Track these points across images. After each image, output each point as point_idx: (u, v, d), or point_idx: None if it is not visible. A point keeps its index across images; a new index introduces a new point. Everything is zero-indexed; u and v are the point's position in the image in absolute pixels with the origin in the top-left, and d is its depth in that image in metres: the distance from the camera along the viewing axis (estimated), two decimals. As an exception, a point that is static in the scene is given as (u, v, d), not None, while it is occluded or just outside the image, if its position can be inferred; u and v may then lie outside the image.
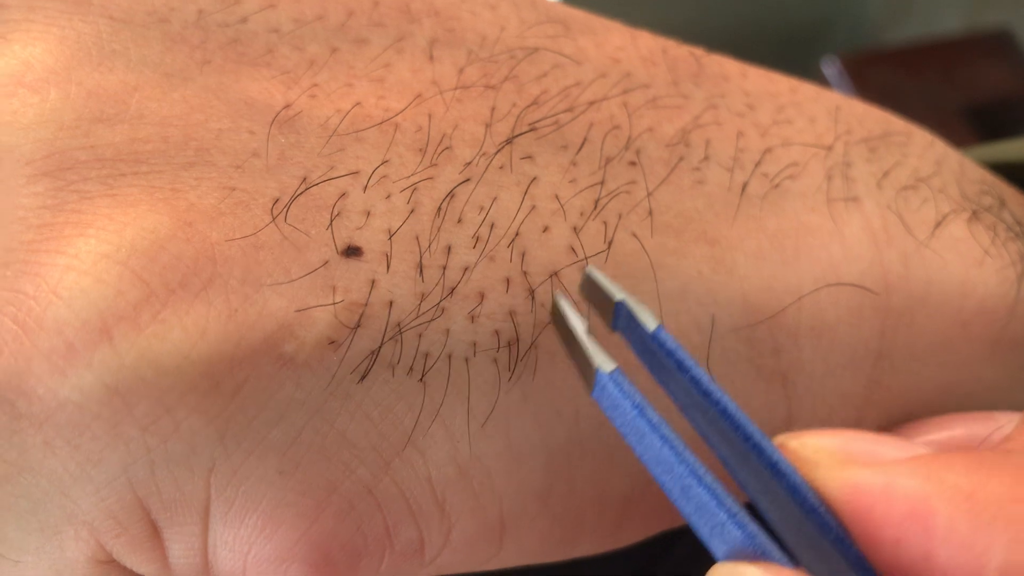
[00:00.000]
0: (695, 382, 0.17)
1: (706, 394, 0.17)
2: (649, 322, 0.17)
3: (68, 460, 0.16)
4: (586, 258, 0.19)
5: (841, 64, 0.75)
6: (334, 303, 0.17)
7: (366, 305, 0.17)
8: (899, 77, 0.73)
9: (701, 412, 0.17)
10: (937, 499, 0.15)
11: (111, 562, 0.18)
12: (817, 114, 0.23)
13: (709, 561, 0.16)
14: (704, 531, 0.16)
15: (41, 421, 0.16)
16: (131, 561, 0.18)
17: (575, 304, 0.17)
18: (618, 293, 0.17)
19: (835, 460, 0.16)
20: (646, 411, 0.16)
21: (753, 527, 0.15)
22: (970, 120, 0.69)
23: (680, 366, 0.17)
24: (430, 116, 0.19)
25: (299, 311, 0.16)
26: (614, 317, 0.18)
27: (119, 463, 0.16)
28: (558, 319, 0.17)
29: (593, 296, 0.18)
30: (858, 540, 0.16)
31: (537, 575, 0.23)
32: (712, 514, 0.16)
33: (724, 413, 0.17)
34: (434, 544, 0.19)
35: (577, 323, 0.17)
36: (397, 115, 0.19)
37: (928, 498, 0.15)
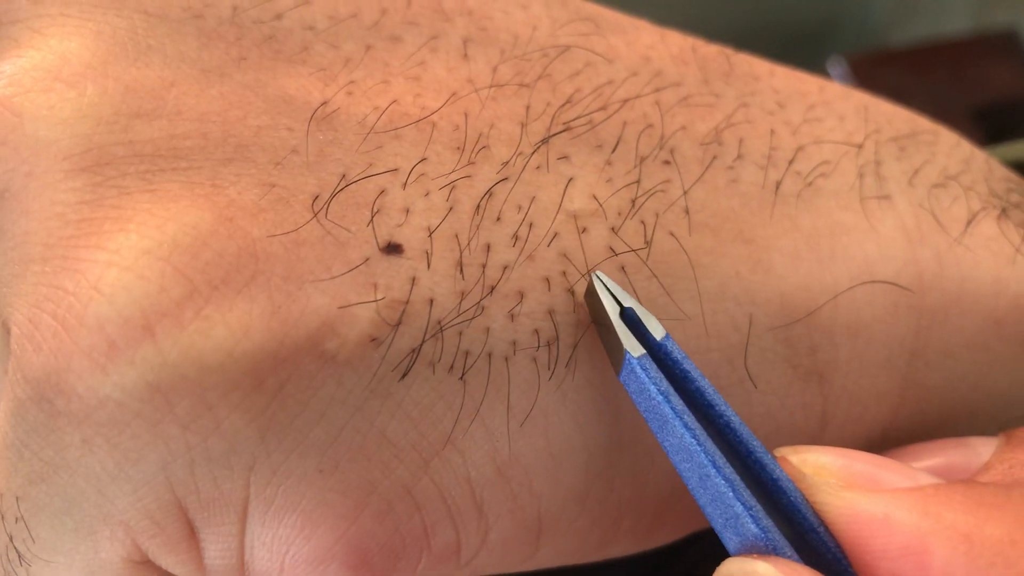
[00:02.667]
0: (700, 393, 0.17)
1: (710, 405, 0.17)
2: (657, 330, 0.17)
3: (106, 459, 0.16)
4: (631, 250, 0.18)
5: (847, 65, 0.75)
6: (376, 300, 0.17)
7: (407, 303, 0.17)
8: (906, 78, 0.73)
9: (704, 423, 0.17)
10: (935, 537, 0.15)
11: (146, 562, 0.18)
12: (846, 113, 0.23)
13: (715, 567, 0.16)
14: (718, 522, 0.16)
15: (80, 419, 0.16)
16: (166, 562, 0.18)
17: (607, 286, 0.17)
18: (627, 299, 0.17)
19: (836, 481, 0.16)
20: (671, 398, 0.16)
21: (768, 522, 0.16)
22: (978, 121, 0.69)
23: (686, 376, 0.17)
24: (466, 114, 0.19)
25: (341, 308, 0.16)
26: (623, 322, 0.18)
27: (158, 461, 0.16)
28: (592, 300, 0.18)
29: (596, 303, 0.18)
30: (855, 567, 0.16)
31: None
32: (728, 505, 0.16)
33: (728, 426, 0.17)
34: (471, 545, 0.18)
35: (610, 306, 0.17)
36: (434, 113, 0.19)
37: (926, 536, 0.15)
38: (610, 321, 0.17)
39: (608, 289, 0.17)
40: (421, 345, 0.17)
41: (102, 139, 0.17)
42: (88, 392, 0.16)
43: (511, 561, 0.19)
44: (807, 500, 0.16)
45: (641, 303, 0.18)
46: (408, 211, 0.17)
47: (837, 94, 0.24)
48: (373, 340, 0.17)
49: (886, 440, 0.22)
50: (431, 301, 0.17)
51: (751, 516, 0.16)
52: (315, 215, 0.17)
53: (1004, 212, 0.22)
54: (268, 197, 0.17)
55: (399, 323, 0.17)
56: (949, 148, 0.23)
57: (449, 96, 0.19)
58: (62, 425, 0.16)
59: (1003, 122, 0.70)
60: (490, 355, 0.17)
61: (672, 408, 0.16)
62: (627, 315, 0.17)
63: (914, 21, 0.90)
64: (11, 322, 0.17)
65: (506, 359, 0.17)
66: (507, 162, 0.19)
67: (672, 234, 0.19)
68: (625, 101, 0.21)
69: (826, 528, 0.16)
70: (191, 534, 0.17)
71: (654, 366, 0.17)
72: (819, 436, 0.21)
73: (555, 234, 0.18)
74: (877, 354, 0.21)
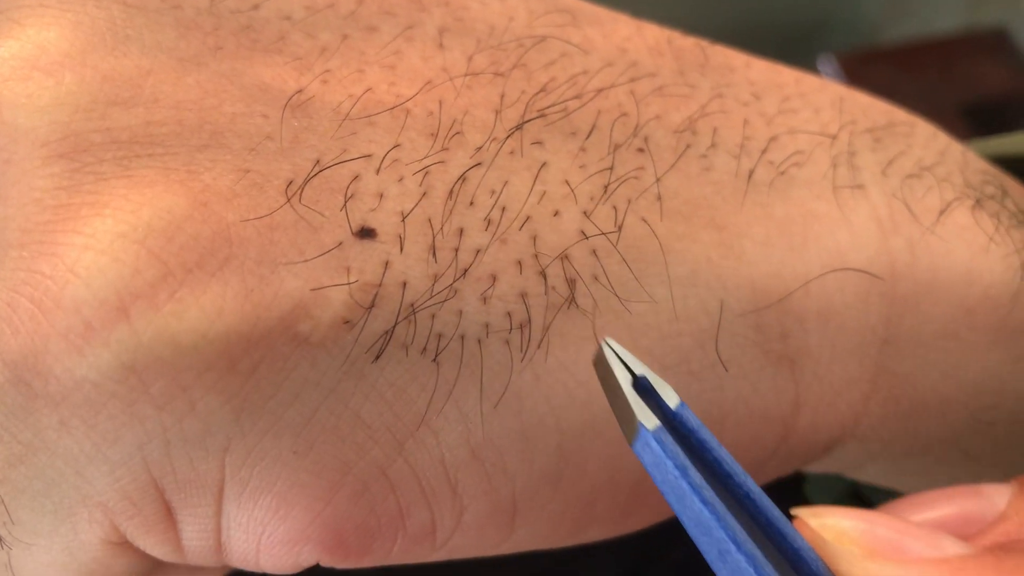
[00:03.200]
0: (718, 463, 0.17)
1: (729, 476, 0.16)
2: (671, 398, 0.17)
3: (83, 440, 0.17)
4: (602, 233, 0.18)
5: (838, 63, 0.76)
6: (349, 283, 0.17)
7: (380, 286, 0.17)
8: (896, 76, 0.74)
9: (722, 493, 0.16)
10: None
11: (124, 543, 0.18)
12: (822, 104, 0.23)
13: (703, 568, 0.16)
14: None
15: (57, 401, 0.16)
16: (144, 543, 0.18)
17: (619, 354, 0.17)
18: (639, 367, 0.17)
19: (859, 550, 0.16)
20: (688, 472, 0.16)
21: None
22: (967, 118, 0.69)
23: (703, 445, 0.17)
24: (441, 102, 0.19)
25: (314, 290, 0.17)
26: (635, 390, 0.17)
27: (134, 442, 0.17)
28: (601, 368, 0.17)
29: (605, 370, 0.17)
30: None
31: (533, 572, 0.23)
32: None
33: (748, 496, 0.16)
34: (446, 526, 0.19)
35: (622, 374, 0.17)
36: (408, 100, 0.19)
37: None
38: (622, 391, 0.16)
39: (618, 356, 0.17)
40: (394, 327, 0.17)
41: (80, 126, 0.17)
42: (65, 373, 0.16)
43: (486, 543, 0.20)
44: (829, 570, 0.16)
45: (610, 284, 0.18)
46: (382, 196, 0.18)
47: (813, 86, 0.24)
48: (346, 322, 0.17)
49: (858, 426, 0.22)
50: (404, 284, 0.17)
51: None
52: (288, 200, 0.17)
53: (978, 203, 0.22)
54: (242, 182, 0.17)
55: (372, 306, 0.17)
56: (925, 140, 0.24)
57: (424, 84, 0.20)
58: (40, 407, 0.16)
59: (993, 119, 0.70)
60: (463, 337, 0.18)
61: (690, 483, 0.16)
62: (640, 384, 0.17)
63: (904, 20, 0.90)
64: None
65: (479, 341, 0.18)
66: (481, 147, 0.19)
67: (644, 220, 0.19)
68: (600, 90, 0.21)
69: None
70: (168, 515, 0.18)
71: (670, 438, 0.16)
72: (792, 422, 0.21)
73: (527, 217, 0.18)
74: (848, 341, 0.21)
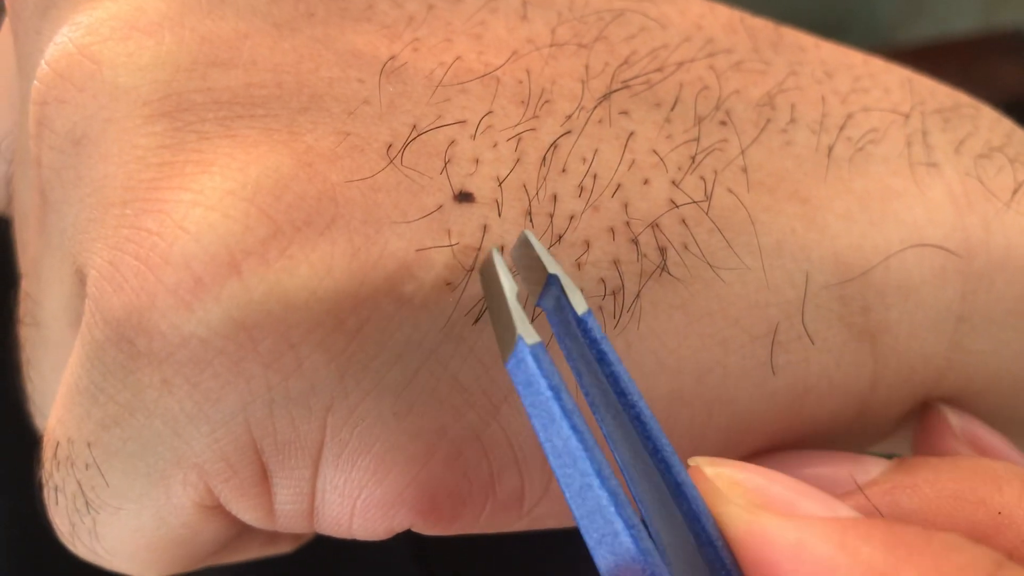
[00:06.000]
0: (613, 378, 0.16)
1: (622, 393, 0.16)
2: (579, 304, 0.16)
3: (185, 399, 0.17)
4: (693, 202, 0.19)
5: (855, 63, 0.76)
6: (451, 245, 0.17)
7: (479, 249, 0.17)
8: (913, 76, 0.74)
9: (612, 412, 0.16)
10: (847, 572, 0.14)
11: (216, 507, 0.18)
12: (891, 85, 0.23)
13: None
14: (592, 537, 0.15)
15: (161, 359, 0.16)
16: (237, 506, 0.18)
17: (508, 265, 0.16)
18: (552, 266, 0.16)
19: (748, 500, 0.15)
20: (561, 395, 0.15)
21: (649, 544, 0.14)
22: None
23: (601, 358, 0.16)
24: (528, 71, 0.19)
25: (418, 251, 0.17)
26: (542, 291, 0.16)
27: (238, 401, 0.16)
28: (488, 276, 0.16)
29: (523, 263, 0.16)
30: None
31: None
32: (607, 521, 0.14)
33: (638, 418, 0.15)
34: (534, 494, 0.19)
35: (507, 284, 0.16)
36: (498, 69, 0.19)
37: (838, 569, 0.14)
38: (505, 302, 0.15)
39: (535, 251, 0.16)
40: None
41: (180, 86, 0.17)
42: (172, 330, 0.16)
43: (570, 515, 0.20)
44: (709, 511, 0.15)
45: (701, 252, 0.18)
46: (478, 161, 0.18)
47: (881, 67, 0.24)
48: (448, 284, 0.17)
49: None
50: (503, 248, 0.17)
51: (631, 535, 0.14)
52: (391, 162, 0.17)
53: None
54: (344, 145, 0.17)
55: (472, 268, 0.17)
56: (991, 122, 0.24)
57: (511, 54, 0.20)
58: (142, 366, 0.16)
59: (1013, 120, 0.70)
60: None
61: (561, 407, 0.15)
62: (550, 283, 0.16)
63: (920, 20, 0.90)
64: (89, 266, 0.17)
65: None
66: (570, 116, 0.19)
67: (731, 190, 0.19)
68: (680, 64, 0.21)
69: (724, 543, 0.15)
70: (264, 478, 0.18)
71: (547, 357, 0.15)
72: (868, 398, 0.21)
73: (618, 185, 0.18)
74: (925, 317, 0.21)
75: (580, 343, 0.16)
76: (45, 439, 0.19)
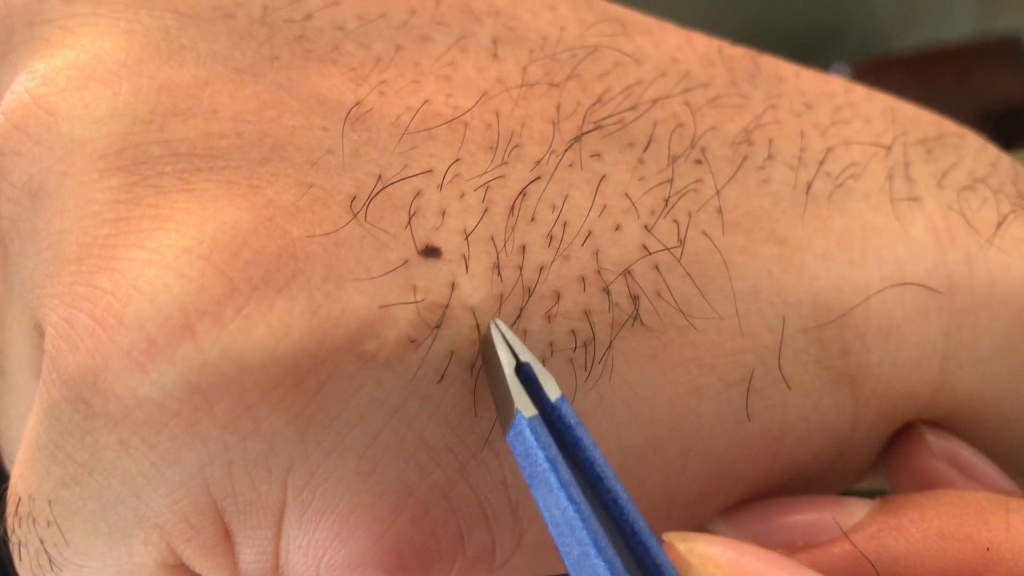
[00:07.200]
0: (590, 464, 0.16)
1: (599, 479, 0.16)
2: (552, 391, 0.16)
3: (143, 460, 0.16)
4: (665, 248, 0.18)
5: (851, 71, 0.75)
6: (416, 302, 0.16)
7: (447, 307, 0.17)
8: (909, 84, 0.73)
9: (589, 495, 0.16)
10: None
11: (180, 566, 0.18)
12: (872, 115, 0.23)
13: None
14: None
15: (117, 420, 0.16)
16: (201, 566, 0.18)
17: (506, 337, 0.17)
18: (525, 353, 0.16)
19: (722, 575, 0.16)
20: (558, 467, 0.15)
21: None
22: (983, 126, 0.69)
23: (577, 444, 0.16)
24: (498, 114, 0.19)
25: (382, 308, 0.16)
26: (516, 372, 0.17)
27: (196, 463, 0.16)
28: (487, 349, 0.17)
29: (490, 353, 0.17)
30: None
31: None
32: None
33: (615, 502, 0.16)
34: (506, 548, 0.18)
35: (505, 359, 0.16)
36: (466, 113, 0.19)
37: None
38: (503, 375, 0.16)
39: (506, 340, 0.16)
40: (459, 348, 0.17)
41: (138, 138, 0.17)
42: (126, 392, 0.16)
43: (544, 566, 0.19)
44: None
45: (675, 300, 0.18)
46: (444, 213, 0.17)
47: (862, 96, 0.24)
48: (412, 341, 0.16)
49: None
50: (472, 308, 0.17)
51: None
52: (355, 216, 0.17)
53: None
54: (306, 197, 0.17)
55: (438, 325, 0.17)
56: (975, 151, 0.23)
57: (480, 96, 0.19)
58: (98, 426, 0.16)
59: (1008, 127, 0.70)
60: None
61: (559, 479, 0.15)
62: (522, 372, 0.16)
63: (917, 27, 0.90)
64: (45, 322, 0.17)
65: (543, 361, 0.17)
66: (540, 161, 0.18)
67: (705, 233, 0.19)
68: (655, 101, 0.21)
69: None
70: (226, 537, 0.17)
71: (545, 430, 0.16)
72: (850, 437, 0.21)
73: (589, 232, 0.18)
74: (909, 356, 0.20)
75: (556, 429, 0.16)
76: (8, 493, 0.19)
